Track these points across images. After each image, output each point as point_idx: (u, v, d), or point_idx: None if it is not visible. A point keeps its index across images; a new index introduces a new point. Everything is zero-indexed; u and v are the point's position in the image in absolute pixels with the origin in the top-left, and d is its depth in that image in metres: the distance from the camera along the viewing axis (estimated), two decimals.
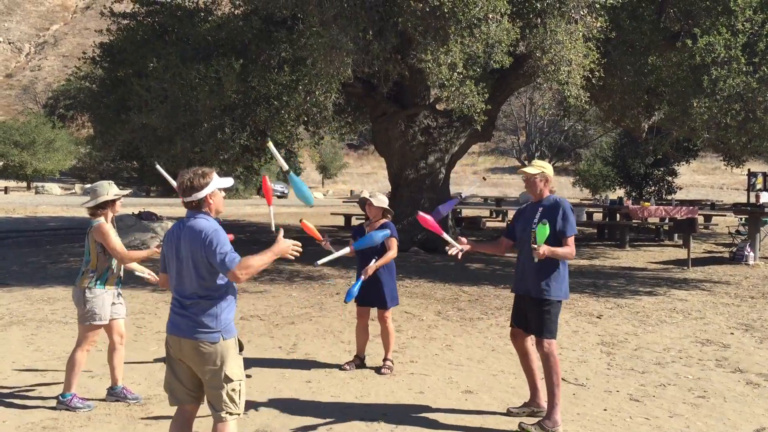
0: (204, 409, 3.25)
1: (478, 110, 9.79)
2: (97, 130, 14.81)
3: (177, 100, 11.16)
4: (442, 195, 13.60)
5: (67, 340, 6.06)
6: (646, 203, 17.85)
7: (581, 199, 32.36)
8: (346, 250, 4.64)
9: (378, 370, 5.39)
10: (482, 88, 9.85)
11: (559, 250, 4.12)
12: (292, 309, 7.80)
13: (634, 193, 28.21)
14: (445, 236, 4.37)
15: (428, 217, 4.34)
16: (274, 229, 3.61)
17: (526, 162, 44.63)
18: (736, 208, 16.66)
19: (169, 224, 14.21)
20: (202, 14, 13.19)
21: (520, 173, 4.39)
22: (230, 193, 34.33)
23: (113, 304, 4.55)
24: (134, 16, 13.71)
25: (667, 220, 17.13)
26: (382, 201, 5.42)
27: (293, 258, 3.18)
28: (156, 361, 5.52)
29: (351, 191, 45.63)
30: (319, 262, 4.17)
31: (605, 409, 4.57)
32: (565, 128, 50.74)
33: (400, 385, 5.07)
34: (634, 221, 16.56)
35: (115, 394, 4.60)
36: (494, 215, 23.93)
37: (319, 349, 6.07)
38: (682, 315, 7.71)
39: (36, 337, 6.32)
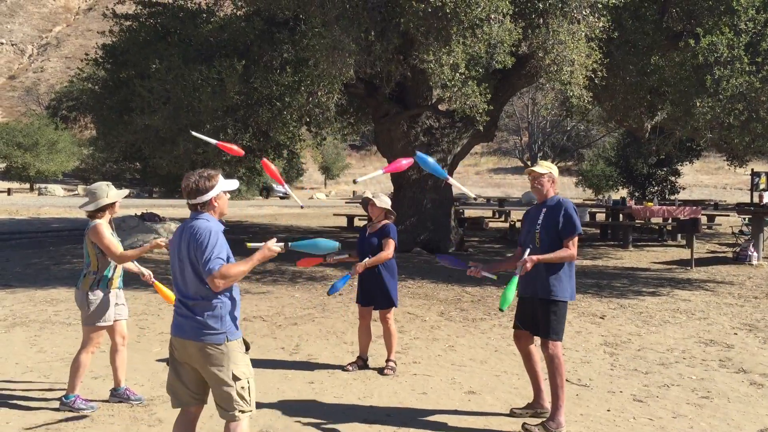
0: (206, 410, 3.24)
1: (481, 111, 9.79)
2: (100, 131, 14.86)
3: (179, 102, 11.17)
4: (444, 196, 13.60)
5: (70, 341, 6.07)
6: (649, 203, 17.84)
7: (584, 200, 32.37)
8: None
9: (381, 371, 5.39)
10: (484, 88, 9.85)
11: (551, 255, 4.07)
12: (294, 310, 7.81)
13: (637, 194, 28.17)
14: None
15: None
16: (300, 206, 4.13)
17: (528, 162, 44.60)
18: (739, 208, 16.62)
19: (172, 225, 14.24)
20: (205, 15, 13.22)
21: (529, 173, 4.38)
22: (232, 194, 34.29)
23: (116, 305, 4.56)
24: (137, 18, 13.72)
25: (670, 221, 17.12)
26: (384, 202, 5.42)
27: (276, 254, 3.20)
28: (159, 361, 5.52)
29: (354, 181, 45.61)
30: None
31: (608, 410, 4.56)
32: (568, 128, 50.73)
33: (403, 386, 5.07)
34: (637, 221, 16.53)
35: (118, 395, 4.61)
36: (497, 216, 23.93)
37: (321, 350, 6.07)
38: (685, 315, 7.70)
39: (39, 338, 6.32)
